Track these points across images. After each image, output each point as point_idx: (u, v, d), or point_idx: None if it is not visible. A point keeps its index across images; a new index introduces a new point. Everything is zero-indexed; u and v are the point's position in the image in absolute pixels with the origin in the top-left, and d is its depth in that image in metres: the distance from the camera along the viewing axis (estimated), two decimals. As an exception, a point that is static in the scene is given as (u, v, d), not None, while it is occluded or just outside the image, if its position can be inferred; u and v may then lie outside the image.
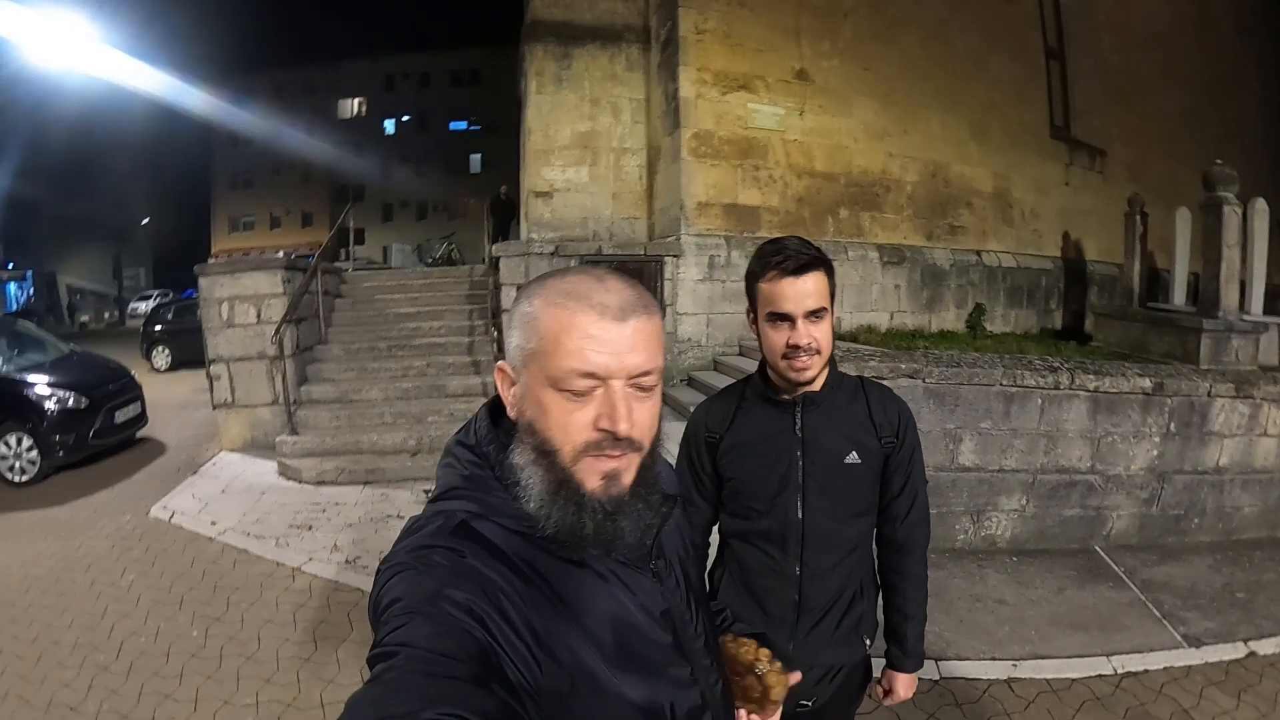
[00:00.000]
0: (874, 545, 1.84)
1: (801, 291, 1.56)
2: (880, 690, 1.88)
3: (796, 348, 1.58)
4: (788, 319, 1.58)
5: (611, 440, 0.84)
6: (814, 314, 1.57)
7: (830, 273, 1.61)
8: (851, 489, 1.71)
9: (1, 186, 33.48)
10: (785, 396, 1.69)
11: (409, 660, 0.68)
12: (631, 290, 0.87)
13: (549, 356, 0.83)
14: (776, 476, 1.69)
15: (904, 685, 1.85)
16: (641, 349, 0.85)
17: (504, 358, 0.92)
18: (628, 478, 0.87)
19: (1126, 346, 7.73)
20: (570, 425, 0.84)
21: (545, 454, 0.85)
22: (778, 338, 1.61)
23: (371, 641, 0.75)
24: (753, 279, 1.64)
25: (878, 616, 1.85)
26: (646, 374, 0.86)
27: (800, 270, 1.55)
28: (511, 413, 0.90)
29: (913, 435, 1.75)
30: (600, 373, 0.83)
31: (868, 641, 1.80)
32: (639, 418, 0.85)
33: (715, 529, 1.91)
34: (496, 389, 0.94)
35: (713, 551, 1.94)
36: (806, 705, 1.75)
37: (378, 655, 0.71)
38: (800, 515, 1.68)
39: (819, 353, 1.59)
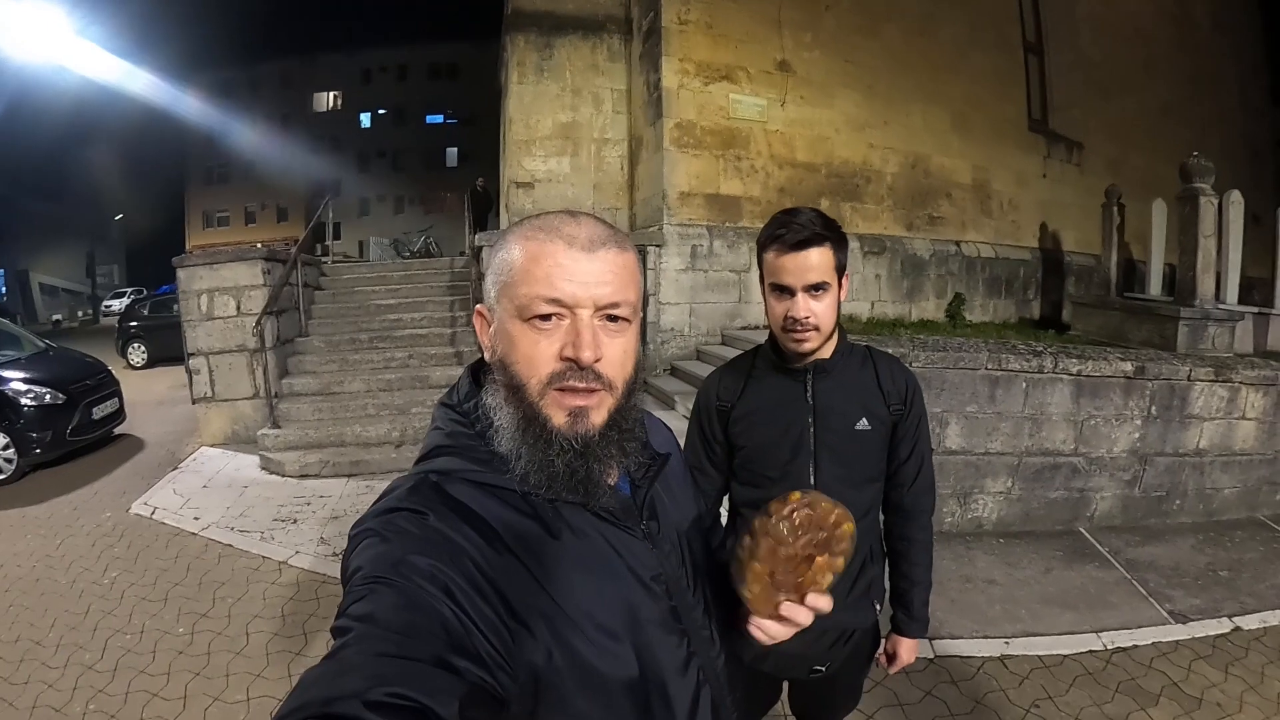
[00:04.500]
0: (881, 512, 1.85)
1: (802, 265, 1.56)
2: (884, 657, 1.90)
3: (795, 320, 1.59)
4: (788, 291, 1.59)
5: (576, 370, 0.83)
6: (815, 288, 1.58)
7: (839, 247, 1.60)
8: (862, 455, 1.71)
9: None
10: (796, 365, 1.70)
11: (363, 637, 0.67)
12: (604, 226, 0.88)
13: (518, 286, 0.84)
14: (789, 443, 1.70)
15: (908, 650, 1.86)
16: (611, 281, 0.85)
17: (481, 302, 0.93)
18: (597, 417, 0.86)
19: (1104, 335, 7.84)
20: (536, 357, 0.84)
21: (514, 389, 0.85)
22: (779, 308, 1.63)
23: None
24: (760, 248, 1.65)
25: (885, 583, 1.87)
26: (616, 306, 0.85)
27: (801, 245, 1.55)
28: (488, 355, 0.91)
29: (919, 404, 1.76)
30: (567, 300, 0.83)
31: (877, 606, 1.82)
32: (608, 352, 0.85)
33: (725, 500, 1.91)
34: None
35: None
36: (820, 670, 1.76)
37: (337, 628, 0.70)
38: (813, 481, 1.68)
39: (817, 328, 1.60)
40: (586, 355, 0.82)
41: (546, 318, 0.83)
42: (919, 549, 1.83)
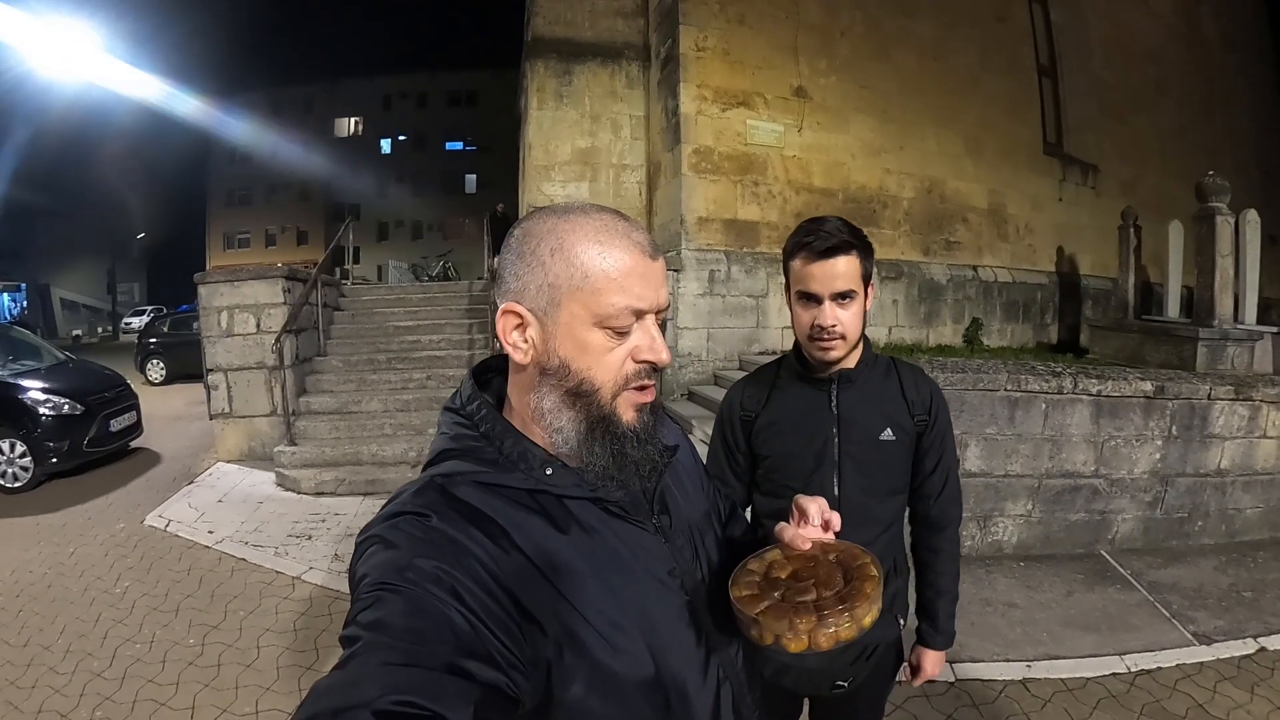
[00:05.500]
0: (906, 524, 1.82)
1: (829, 273, 1.56)
2: (908, 670, 1.86)
3: (821, 328, 1.58)
4: (815, 299, 1.59)
5: (650, 371, 0.87)
6: (841, 296, 1.57)
7: (865, 255, 1.59)
8: (887, 466, 1.69)
9: (-3, 196, 33.40)
10: (821, 374, 1.69)
11: (371, 646, 0.66)
12: (644, 228, 0.89)
13: (601, 294, 0.82)
14: (812, 453, 1.68)
15: (932, 663, 1.82)
16: (665, 284, 0.88)
17: (505, 299, 0.87)
18: (654, 405, 0.91)
19: (1123, 358, 7.76)
20: (612, 362, 0.85)
21: (582, 394, 0.85)
22: (805, 317, 1.62)
23: None
24: (786, 256, 1.64)
25: (908, 597, 1.84)
26: (667, 307, 0.89)
27: (829, 253, 1.55)
28: (521, 357, 0.86)
29: (945, 414, 1.74)
30: (648, 309, 0.85)
31: (901, 621, 1.79)
32: None
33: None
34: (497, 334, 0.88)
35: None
36: (843, 686, 1.72)
37: (346, 637, 0.70)
38: (836, 492, 1.65)
39: (843, 337, 1.59)
40: (666, 357, 0.87)
41: (625, 329, 0.84)
42: (945, 559, 1.80)
